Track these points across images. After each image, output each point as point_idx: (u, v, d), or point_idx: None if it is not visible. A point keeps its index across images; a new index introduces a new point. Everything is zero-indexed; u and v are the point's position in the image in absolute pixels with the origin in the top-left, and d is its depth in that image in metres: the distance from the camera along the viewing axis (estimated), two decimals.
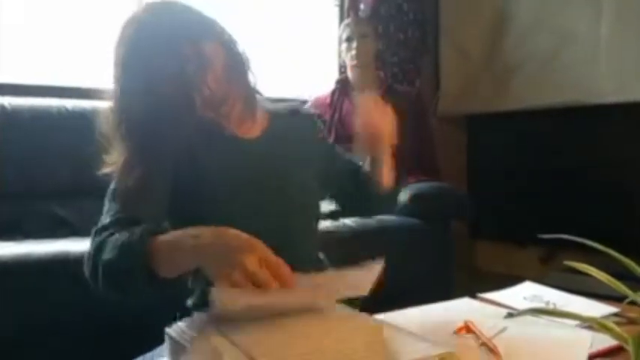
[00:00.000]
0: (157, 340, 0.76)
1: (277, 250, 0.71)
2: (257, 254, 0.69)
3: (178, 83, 0.88)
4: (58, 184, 1.86)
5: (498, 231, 2.75)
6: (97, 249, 0.80)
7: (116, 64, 0.91)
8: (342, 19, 2.75)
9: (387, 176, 1.09)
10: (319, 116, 1.20)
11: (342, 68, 2.60)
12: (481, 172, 2.91)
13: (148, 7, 0.94)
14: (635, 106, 2.20)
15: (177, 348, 0.72)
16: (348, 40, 2.39)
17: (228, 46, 1.01)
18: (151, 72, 0.88)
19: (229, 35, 1.03)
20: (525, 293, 1.05)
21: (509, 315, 0.87)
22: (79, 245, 1.41)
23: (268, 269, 0.68)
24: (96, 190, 2.05)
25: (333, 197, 1.34)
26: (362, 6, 2.72)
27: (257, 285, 0.67)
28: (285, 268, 0.70)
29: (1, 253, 1.32)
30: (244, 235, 0.71)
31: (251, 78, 1.03)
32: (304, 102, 2.33)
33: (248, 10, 2.58)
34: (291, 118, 1.10)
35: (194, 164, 0.93)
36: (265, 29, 2.58)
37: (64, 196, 1.86)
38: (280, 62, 2.56)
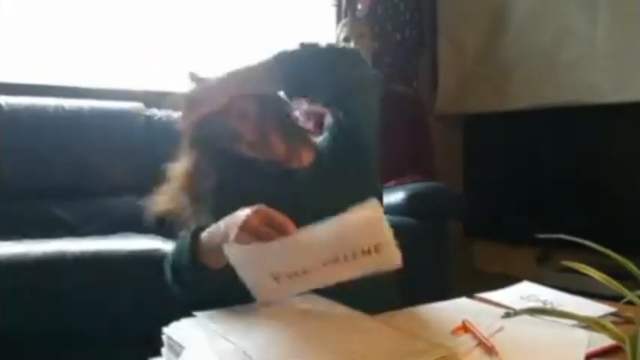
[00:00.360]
0: (157, 340, 0.77)
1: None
2: (261, 214, 0.79)
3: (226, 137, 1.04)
4: (55, 184, 1.86)
5: (495, 231, 2.75)
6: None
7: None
8: (339, 19, 2.75)
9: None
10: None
11: None
12: (478, 171, 2.91)
13: None
14: (633, 106, 2.21)
15: (176, 348, 0.72)
16: (346, 40, 2.39)
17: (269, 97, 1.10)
18: (207, 132, 1.05)
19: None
20: (522, 293, 1.05)
21: (507, 315, 0.87)
22: (77, 245, 1.41)
23: (275, 228, 0.77)
24: (93, 189, 2.05)
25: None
26: (359, 6, 2.72)
27: (261, 239, 0.77)
28: (290, 225, 0.78)
29: None
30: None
31: (288, 113, 1.13)
32: None
33: (246, 10, 2.58)
34: (324, 142, 1.18)
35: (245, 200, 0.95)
36: (263, 29, 2.58)
37: (62, 196, 1.85)
38: None
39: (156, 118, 2.10)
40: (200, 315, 0.77)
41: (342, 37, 2.42)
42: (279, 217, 0.79)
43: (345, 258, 0.78)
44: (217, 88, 1.04)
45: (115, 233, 1.65)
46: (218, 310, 0.80)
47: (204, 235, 0.88)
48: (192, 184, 1.05)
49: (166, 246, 1.47)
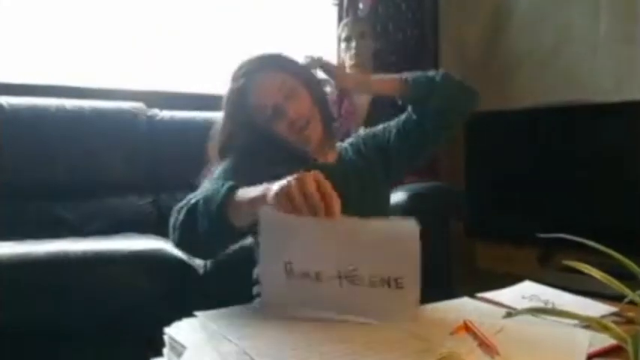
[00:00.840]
0: (158, 340, 0.77)
1: None
2: (316, 177, 0.74)
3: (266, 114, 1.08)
4: (57, 184, 1.86)
5: (496, 230, 2.75)
6: (183, 205, 0.90)
7: (224, 101, 1.13)
8: (341, 18, 2.74)
9: (390, 81, 1.20)
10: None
11: None
12: (479, 171, 2.90)
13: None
14: (634, 105, 2.20)
15: (177, 348, 0.72)
16: (347, 39, 2.39)
17: (310, 77, 1.16)
18: (249, 106, 1.09)
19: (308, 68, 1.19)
20: (524, 293, 1.05)
21: (508, 314, 0.87)
22: (79, 245, 1.41)
23: (322, 198, 0.72)
24: (94, 189, 2.05)
25: (417, 151, 1.25)
26: (361, 5, 2.72)
27: (308, 205, 0.71)
28: (336, 202, 0.74)
29: None
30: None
31: (331, 109, 1.20)
32: None
33: (246, 10, 2.58)
34: (348, 150, 1.23)
35: None
36: (264, 28, 2.58)
37: (64, 196, 1.86)
38: None
39: (157, 118, 2.10)
40: (202, 315, 0.77)
41: (343, 36, 2.42)
42: (329, 189, 0.74)
43: (362, 280, 0.74)
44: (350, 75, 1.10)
45: (116, 233, 1.65)
46: (220, 310, 0.80)
47: (240, 190, 0.84)
48: (220, 140, 1.11)
49: (168, 246, 1.48)
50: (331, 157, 1.18)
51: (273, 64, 1.14)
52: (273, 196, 0.74)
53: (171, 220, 0.93)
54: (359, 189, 1.14)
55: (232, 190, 0.84)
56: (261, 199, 0.78)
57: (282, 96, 1.08)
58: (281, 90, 1.09)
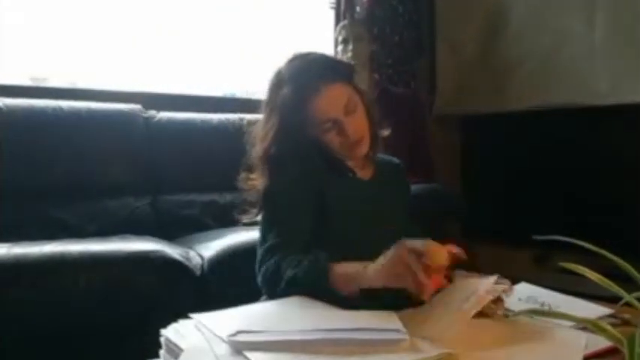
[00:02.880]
0: (155, 342, 0.76)
1: None
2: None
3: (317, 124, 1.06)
4: (54, 185, 1.85)
5: (492, 232, 2.75)
6: (277, 266, 0.95)
7: (273, 102, 1.09)
8: (338, 20, 2.75)
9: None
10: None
11: None
12: (475, 173, 2.91)
13: (297, 57, 1.13)
14: (631, 107, 2.21)
15: (174, 350, 0.72)
16: (344, 42, 2.40)
17: (363, 90, 1.15)
18: (307, 113, 1.05)
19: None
20: (520, 294, 1.05)
21: (505, 316, 0.88)
22: (75, 246, 1.41)
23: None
24: (92, 191, 2.04)
25: None
26: (358, 8, 2.72)
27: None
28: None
29: None
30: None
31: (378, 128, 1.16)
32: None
33: (245, 11, 2.58)
34: (387, 166, 1.24)
35: (325, 196, 1.06)
36: (262, 30, 2.58)
37: (61, 197, 1.85)
38: (276, 64, 2.56)
39: (155, 119, 2.10)
40: (198, 317, 0.77)
41: (340, 39, 2.42)
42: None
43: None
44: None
45: (113, 235, 1.64)
46: (216, 312, 0.80)
47: (337, 272, 0.90)
48: (265, 144, 1.08)
49: (164, 247, 1.47)
50: (368, 172, 1.18)
51: (341, 74, 1.10)
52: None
53: (262, 276, 0.98)
54: (389, 206, 1.16)
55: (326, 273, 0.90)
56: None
57: (345, 111, 1.06)
58: (346, 106, 1.06)
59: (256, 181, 1.09)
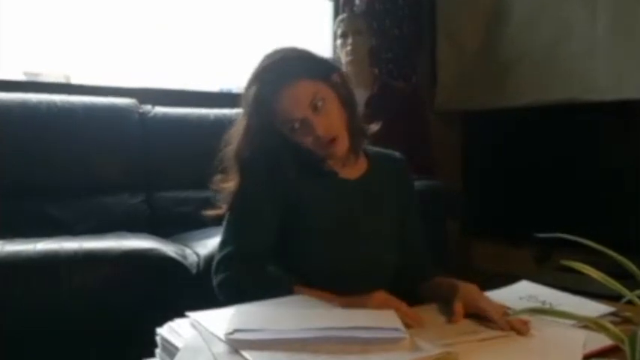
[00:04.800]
0: (150, 341, 0.76)
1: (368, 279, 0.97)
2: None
3: (290, 125, 1.02)
4: (48, 182, 1.84)
5: (494, 230, 2.75)
6: (237, 281, 0.99)
7: (244, 101, 1.06)
8: (337, 14, 2.73)
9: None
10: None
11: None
12: (477, 169, 2.90)
13: (269, 55, 1.08)
14: (633, 104, 2.20)
15: (170, 349, 0.71)
16: (343, 35, 2.38)
17: (342, 83, 1.09)
18: (273, 113, 1.02)
19: (341, 70, 1.13)
20: (521, 293, 1.05)
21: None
22: (70, 244, 1.40)
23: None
24: (86, 187, 2.03)
25: None
26: (357, 1, 2.70)
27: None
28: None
29: None
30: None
31: (359, 118, 1.12)
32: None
33: (242, 5, 2.56)
34: (386, 162, 1.19)
35: (298, 198, 1.05)
36: (259, 24, 2.56)
37: (55, 194, 1.83)
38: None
39: (150, 114, 2.08)
40: (194, 315, 0.76)
41: (339, 32, 2.40)
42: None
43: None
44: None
45: (109, 232, 1.63)
46: (212, 311, 0.79)
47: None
48: (235, 145, 1.06)
49: (160, 245, 1.46)
50: (355, 170, 1.13)
51: (306, 70, 1.03)
52: None
53: (219, 284, 1.00)
54: (379, 204, 1.12)
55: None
56: None
57: (312, 110, 1.01)
58: (312, 103, 1.01)
59: (229, 183, 1.07)
